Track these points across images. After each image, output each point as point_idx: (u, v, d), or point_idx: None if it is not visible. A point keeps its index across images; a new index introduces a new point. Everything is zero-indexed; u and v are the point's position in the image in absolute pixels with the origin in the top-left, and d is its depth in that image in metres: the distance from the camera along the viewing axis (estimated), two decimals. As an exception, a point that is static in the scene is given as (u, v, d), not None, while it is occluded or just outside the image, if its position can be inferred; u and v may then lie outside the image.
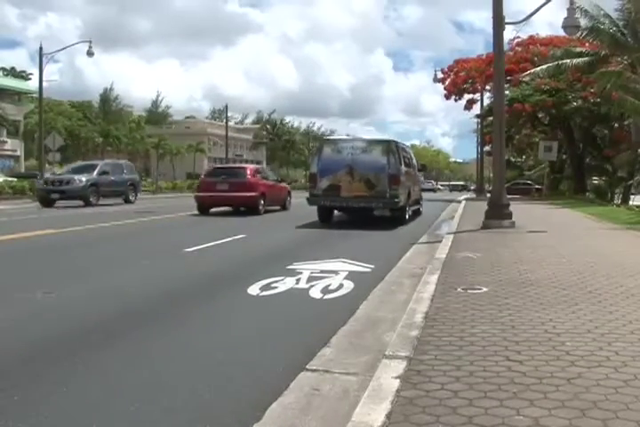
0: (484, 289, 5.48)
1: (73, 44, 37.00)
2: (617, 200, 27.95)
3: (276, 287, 6.48)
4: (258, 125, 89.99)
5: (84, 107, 66.51)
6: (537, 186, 41.67)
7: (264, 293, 6.23)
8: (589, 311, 4.56)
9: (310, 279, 6.91)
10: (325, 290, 6.38)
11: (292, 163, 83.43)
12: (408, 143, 27.68)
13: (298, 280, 6.87)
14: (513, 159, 48.73)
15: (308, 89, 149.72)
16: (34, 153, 42.68)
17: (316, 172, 15.03)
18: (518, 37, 31.82)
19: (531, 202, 24.59)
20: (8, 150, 49.78)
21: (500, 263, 7.08)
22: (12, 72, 63.07)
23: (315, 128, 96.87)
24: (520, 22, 14.50)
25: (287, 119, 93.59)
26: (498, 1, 12.46)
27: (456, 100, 33.81)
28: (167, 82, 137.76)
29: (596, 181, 35.88)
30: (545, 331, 4.02)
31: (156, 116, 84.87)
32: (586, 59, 24.73)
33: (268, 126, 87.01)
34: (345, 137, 20.50)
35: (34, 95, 46.52)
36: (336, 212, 16.06)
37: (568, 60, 24.77)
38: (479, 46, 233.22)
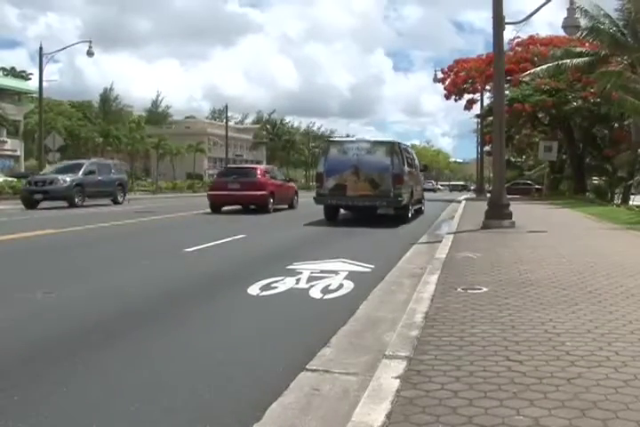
0: (484, 289, 5.48)
1: (73, 44, 37.11)
2: (617, 200, 27.95)
3: (276, 287, 6.48)
4: (258, 125, 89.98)
5: (84, 107, 66.49)
6: (537, 186, 41.69)
7: (264, 293, 6.23)
8: (589, 311, 4.56)
9: (310, 279, 6.91)
10: (325, 290, 6.38)
11: (292, 163, 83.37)
12: (408, 143, 27.67)
13: (298, 280, 6.87)
14: (513, 159, 48.75)
15: (308, 89, 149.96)
16: (34, 153, 42.68)
17: (322, 172, 15.49)
18: (518, 37, 31.91)
19: (531, 202, 24.60)
20: (8, 150, 49.79)
21: (500, 263, 7.08)
22: (12, 72, 63.06)
23: (315, 128, 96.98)
24: (520, 22, 14.52)
25: (287, 119, 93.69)
26: (498, 1, 12.46)
27: (456, 100, 33.88)
28: (167, 82, 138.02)
29: (596, 181, 35.89)
30: (545, 331, 4.02)
31: (156, 116, 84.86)
32: (586, 59, 24.74)
33: (268, 126, 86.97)
34: (350, 138, 21.15)
35: (34, 95, 46.52)
36: (341, 210, 16.51)
37: (568, 60, 24.78)
38: (479, 46, 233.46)
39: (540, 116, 32.76)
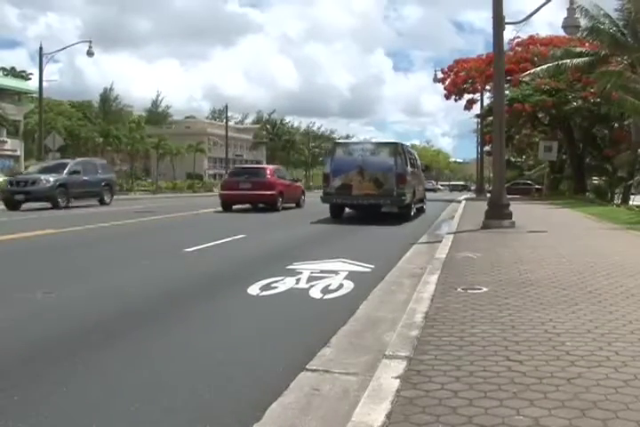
0: (484, 289, 5.48)
1: (73, 44, 37.15)
2: (617, 200, 27.95)
3: (276, 287, 6.48)
4: (258, 125, 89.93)
5: (84, 107, 66.43)
6: (537, 186, 41.69)
7: (264, 293, 6.24)
8: (589, 311, 4.56)
9: (310, 279, 6.91)
10: (325, 290, 6.38)
11: (292, 163, 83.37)
12: (408, 143, 27.96)
13: (298, 280, 6.87)
14: (513, 159, 48.75)
15: (308, 89, 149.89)
16: (34, 153, 42.64)
17: (329, 172, 16.20)
18: (518, 37, 31.91)
19: (531, 202, 24.60)
20: (8, 150, 49.74)
21: (499, 263, 7.08)
22: (12, 72, 62.98)
23: (315, 128, 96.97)
24: (520, 22, 14.53)
25: (287, 119, 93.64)
26: (498, 1, 12.46)
27: (456, 100, 33.88)
28: (167, 82, 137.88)
29: (596, 181, 35.89)
30: (545, 331, 4.02)
31: (156, 116, 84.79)
32: (586, 59, 24.74)
33: (268, 126, 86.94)
34: (356, 140, 22.29)
35: (34, 95, 46.48)
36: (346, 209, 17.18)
37: (568, 60, 24.79)
38: (479, 46, 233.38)
39: (540, 116, 32.77)
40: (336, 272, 7.39)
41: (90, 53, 32.11)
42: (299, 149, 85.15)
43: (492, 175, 31.67)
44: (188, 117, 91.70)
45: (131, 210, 20.31)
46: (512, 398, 2.86)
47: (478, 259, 7.54)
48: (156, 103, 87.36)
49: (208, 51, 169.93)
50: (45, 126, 36.53)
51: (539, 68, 26.47)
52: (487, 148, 35.53)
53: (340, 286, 6.62)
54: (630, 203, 25.29)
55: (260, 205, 20.16)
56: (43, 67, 31.12)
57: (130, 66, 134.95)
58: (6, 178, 24.74)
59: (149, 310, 5.60)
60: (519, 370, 3.25)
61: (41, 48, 30.92)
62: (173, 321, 5.15)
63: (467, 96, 33.90)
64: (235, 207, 20.21)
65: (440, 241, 10.10)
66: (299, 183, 24.61)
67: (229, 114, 70.44)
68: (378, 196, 15.62)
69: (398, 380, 3.13)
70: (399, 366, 3.34)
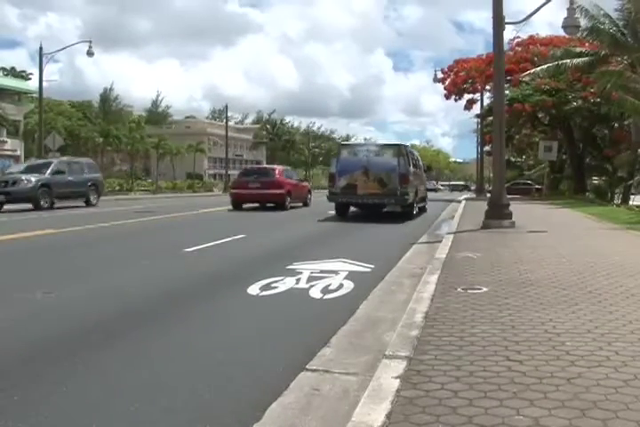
0: (484, 289, 5.48)
1: (73, 44, 37.13)
2: (617, 200, 27.95)
3: (276, 287, 6.48)
4: (258, 125, 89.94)
5: (84, 107, 66.42)
6: (537, 186, 41.68)
7: (264, 293, 6.24)
8: (589, 311, 4.56)
9: (310, 279, 6.91)
10: (325, 290, 6.38)
11: (292, 163, 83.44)
12: (408, 143, 28.24)
13: (298, 280, 6.87)
14: (513, 159, 48.74)
15: (308, 89, 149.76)
16: (34, 153, 42.63)
17: (335, 172, 16.97)
18: (518, 37, 31.92)
19: (531, 202, 24.60)
20: (8, 150, 49.71)
21: (499, 263, 7.08)
22: (12, 72, 62.96)
23: (315, 128, 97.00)
24: (520, 22, 14.51)
25: (287, 119, 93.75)
26: (498, 1, 12.46)
27: (456, 100, 33.88)
28: (167, 82, 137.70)
29: (596, 181, 35.90)
30: (545, 331, 4.02)
31: (156, 116, 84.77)
32: (586, 59, 24.74)
33: (268, 126, 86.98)
34: (361, 142, 23.45)
35: (34, 95, 46.46)
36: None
37: (568, 60, 24.79)
38: (479, 46, 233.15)
39: (539, 116, 32.77)
40: (336, 272, 7.39)
41: (90, 53, 32.09)
42: (299, 148, 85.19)
43: (492, 175, 31.67)
44: (188, 117, 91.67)
45: (130, 210, 20.31)
46: (512, 398, 2.85)
47: (478, 259, 7.53)
48: (155, 103, 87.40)
49: (208, 51, 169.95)
50: (45, 126, 36.52)
51: (539, 68, 26.47)
52: (487, 148, 35.54)
53: (340, 285, 6.62)
54: (630, 203, 25.29)
55: (269, 205, 20.88)
56: (43, 67, 31.15)
57: (130, 66, 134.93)
58: None
59: (149, 310, 5.60)
60: (519, 370, 3.25)
61: (41, 48, 30.93)
62: (173, 321, 5.15)
63: (467, 96, 33.97)
64: (244, 206, 20.97)
65: (440, 241, 10.10)
66: (305, 183, 25.59)
67: (229, 114, 70.40)
68: (382, 195, 16.24)
69: (398, 380, 3.13)
70: (399, 366, 3.34)
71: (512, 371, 3.24)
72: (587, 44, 25.72)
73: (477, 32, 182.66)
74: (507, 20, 12.84)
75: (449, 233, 11.29)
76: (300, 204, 22.73)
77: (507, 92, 24.21)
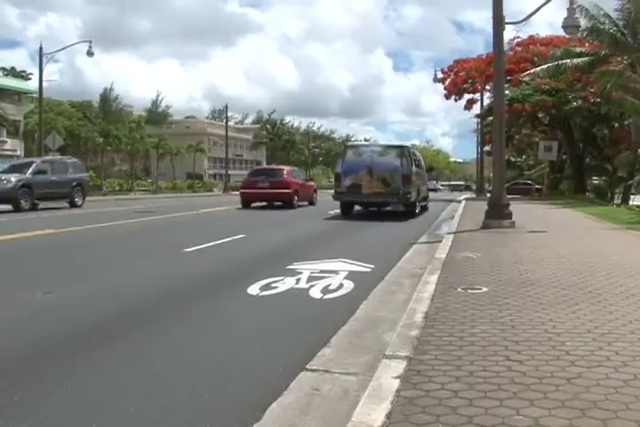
0: (484, 289, 5.48)
1: (73, 44, 37.10)
2: (617, 200, 27.94)
3: (276, 287, 6.48)
4: (258, 125, 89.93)
5: (84, 107, 66.41)
6: (537, 186, 41.67)
7: (264, 293, 6.24)
8: (589, 311, 4.56)
9: (310, 279, 6.91)
10: (325, 290, 6.38)
11: (292, 163, 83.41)
12: (408, 143, 28.49)
13: (298, 280, 6.87)
14: (513, 159, 48.70)
15: (308, 89, 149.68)
16: (34, 153, 42.61)
17: (340, 172, 17.50)
18: (518, 37, 31.88)
19: (531, 202, 24.60)
20: (8, 150, 49.71)
21: (499, 263, 7.08)
22: (12, 72, 62.96)
23: (315, 128, 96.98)
24: (520, 22, 14.50)
25: (287, 119, 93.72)
26: (498, 1, 12.46)
27: (456, 100, 33.86)
28: (167, 82, 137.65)
29: (596, 181, 35.86)
30: (545, 331, 4.02)
31: (156, 116, 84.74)
32: (586, 59, 24.75)
33: (268, 126, 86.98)
34: (365, 143, 23.99)
35: (34, 95, 46.48)
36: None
37: (568, 60, 24.79)
38: (479, 46, 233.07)
39: (540, 116, 32.75)
40: (336, 272, 7.39)
41: (90, 53, 32.08)
42: (299, 148, 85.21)
43: (492, 175, 31.66)
44: (188, 117, 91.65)
45: (130, 210, 20.31)
46: (512, 398, 2.85)
47: (478, 259, 7.53)
48: (155, 103, 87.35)
49: (208, 51, 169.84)
50: (45, 126, 36.50)
51: (539, 68, 26.46)
52: (487, 148, 35.52)
53: (340, 285, 6.62)
54: (630, 203, 25.28)
55: (277, 203, 21.77)
56: (43, 67, 31.13)
57: (130, 66, 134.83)
58: None
59: (149, 310, 5.60)
60: (519, 370, 3.25)
61: (41, 48, 30.92)
62: (173, 321, 5.15)
63: (467, 96, 33.93)
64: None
65: (440, 241, 10.10)
66: (312, 183, 26.37)
67: (229, 114, 70.40)
68: (386, 194, 16.82)
69: (398, 380, 3.13)
70: (399, 366, 3.34)
71: (512, 371, 3.24)
72: (587, 44, 25.72)
73: (477, 32, 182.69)
74: (507, 20, 12.84)
75: (449, 233, 11.29)
76: (307, 203, 23.49)
77: (507, 92, 24.20)
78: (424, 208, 19.99)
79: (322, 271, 7.44)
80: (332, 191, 18.31)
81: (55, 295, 6.08)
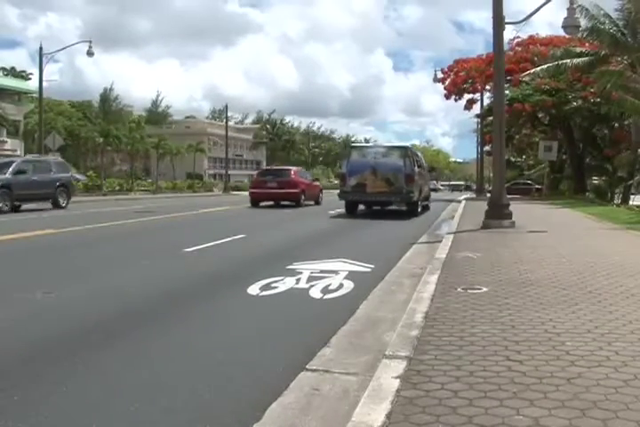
0: (484, 289, 5.48)
1: (73, 44, 37.10)
2: (617, 200, 27.93)
3: (275, 287, 6.48)
4: (258, 125, 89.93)
5: (84, 107, 66.45)
6: (537, 186, 41.64)
7: (264, 293, 6.24)
8: (589, 311, 4.56)
9: (310, 279, 6.91)
10: (325, 290, 6.38)
11: (292, 163, 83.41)
12: (408, 143, 28.76)
13: (298, 280, 6.87)
14: (513, 159, 48.69)
15: (308, 89, 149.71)
16: (34, 153, 42.68)
17: (345, 172, 18.13)
18: (518, 37, 31.89)
19: (531, 202, 24.59)
20: (8, 150, 49.63)
21: (499, 263, 7.08)
22: (12, 72, 62.95)
23: (315, 128, 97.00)
24: (520, 22, 14.49)
25: (287, 119, 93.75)
26: (498, 1, 12.45)
27: (456, 100, 33.86)
28: (167, 82, 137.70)
29: (596, 181, 35.85)
30: (545, 331, 4.02)
31: (156, 116, 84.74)
32: (586, 59, 24.74)
33: (268, 126, 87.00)
34: (369, 144, 25.02)
35: (34, 95, 46.44)
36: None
37: (568, 60, 24.78)
38: (479, 46, 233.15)
39: (540, 116, 32.75)
40: (336, 272, 7.39)
41: (90, 53, 32.07)
42: (299, 149, 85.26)
43: (492, 175, 31.66)
44: (188, 117, 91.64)
45: (130, 210, 20.30)
46: (512, 398, 2.85)
47: (478, 259, 7.53)
48: (155, 103, 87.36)
49: (208, 51, 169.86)
50: (45, 126, 36.50)
51: (539, 68, 26.46)
52: (487, 148, 35.50)
53: (340, 285, 6.62)
54: (630, 203, 25.27)
55: (284, 203, 22.61)
56: (43, 67, 31.11)
57: (130, 66, 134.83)
58: None
59: (149, 310, 5.60)
60: (519, 370, 3.25)
61: (41, 48, 30.91)
62: (173, 321, 5.14)
63: (467, 96, 33.93)
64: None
65: (440, 241, 10.10)
66: (317, 182, 27.00)
67: (229, 114, 70.37)
68: (389, 193, 17.40)
69: (398, 380, 3.13)
70: (399, 366, 3.34)
71: (512, 371, 3.24)
72: (587, 44, 25.71)
73: (477, 32, 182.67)
74: (507, 20, 12.84)
75: (449, 233, 11.28)
76: (312, 202, 24.18)
77: (507, 92, 24.20)
78: (425, 207, 20.39)
79: (322, 271, 7.44)
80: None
81: (55, 295, 6.08)
